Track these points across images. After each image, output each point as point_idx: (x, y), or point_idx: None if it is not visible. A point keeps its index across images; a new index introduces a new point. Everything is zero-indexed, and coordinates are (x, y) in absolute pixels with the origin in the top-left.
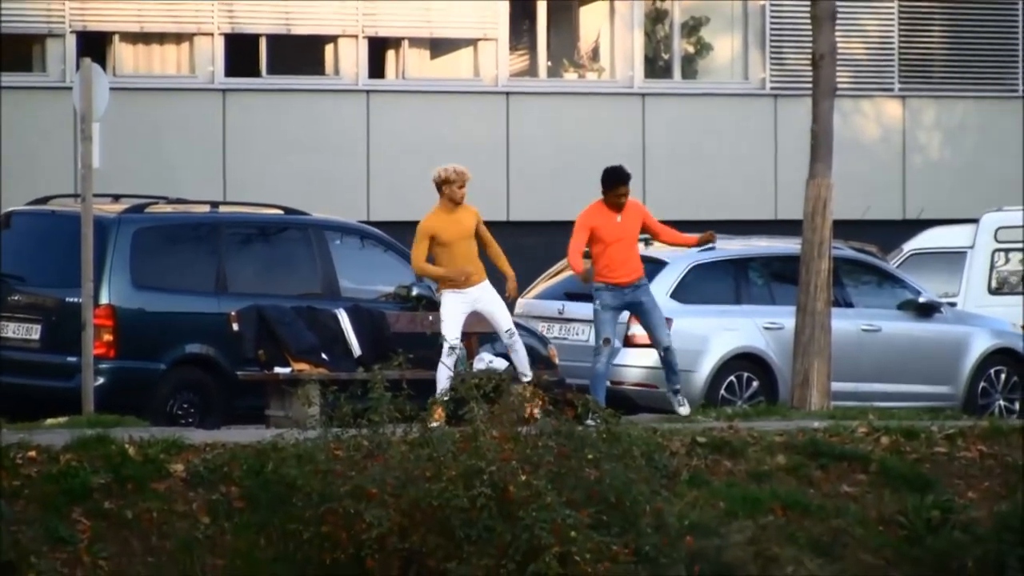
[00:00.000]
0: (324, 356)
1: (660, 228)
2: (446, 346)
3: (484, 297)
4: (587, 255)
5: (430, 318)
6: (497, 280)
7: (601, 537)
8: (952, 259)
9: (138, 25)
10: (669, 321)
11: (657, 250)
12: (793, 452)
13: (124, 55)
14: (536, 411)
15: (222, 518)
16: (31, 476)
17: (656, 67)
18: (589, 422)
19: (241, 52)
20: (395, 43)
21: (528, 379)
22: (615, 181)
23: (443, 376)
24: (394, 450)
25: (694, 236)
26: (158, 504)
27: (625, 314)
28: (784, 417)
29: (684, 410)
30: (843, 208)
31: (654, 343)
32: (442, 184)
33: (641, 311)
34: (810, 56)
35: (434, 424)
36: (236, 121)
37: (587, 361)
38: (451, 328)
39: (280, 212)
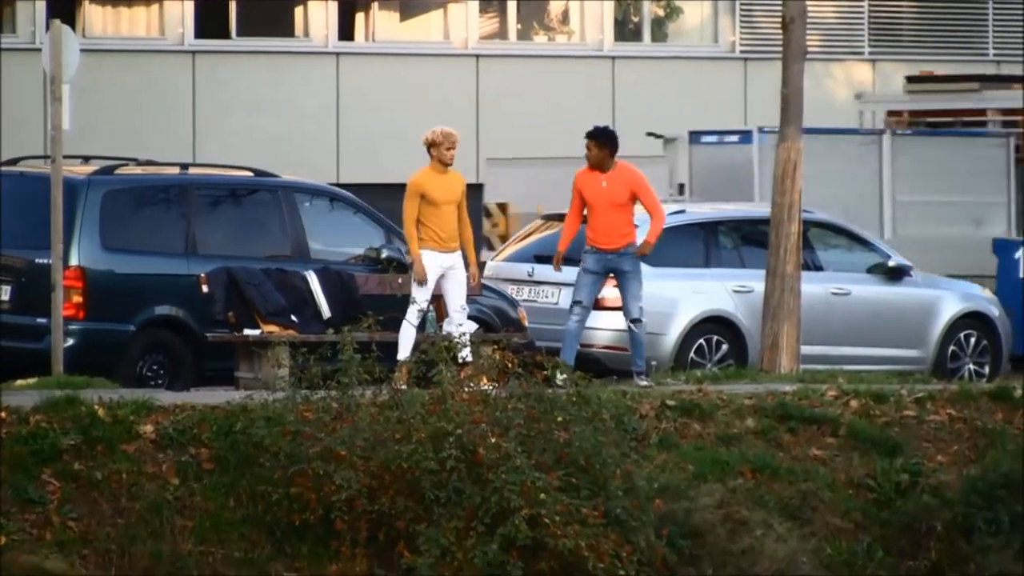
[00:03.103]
0: (293, 318)
1: (650, 207)
2: (414, 307)
3: (456, 266)
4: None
5: (399, 280)
6: None
7: (570, 500)
8: None
9: None
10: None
11: None
12: (762, 415)
13: (94, 17)
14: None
15: (191, 479)
16: (0, 437)
17: (626, 30)
18: (559, 382)
19: (211, 14)
20: (365, 5)
21: (469, 360)
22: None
23: (405, 336)
24: (363, 412)
25: (649, 244)
26: (127, 465)
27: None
28: (753, 380)
29: (644, 383)
30: None
31: (624, 312)
32: (430, 146)
33: (620, 278)
34: (780, 19)
35: (402, 386)
36: (206, 83)
37: (557, 324)
38: (423, 290)
39: (250, 174)
